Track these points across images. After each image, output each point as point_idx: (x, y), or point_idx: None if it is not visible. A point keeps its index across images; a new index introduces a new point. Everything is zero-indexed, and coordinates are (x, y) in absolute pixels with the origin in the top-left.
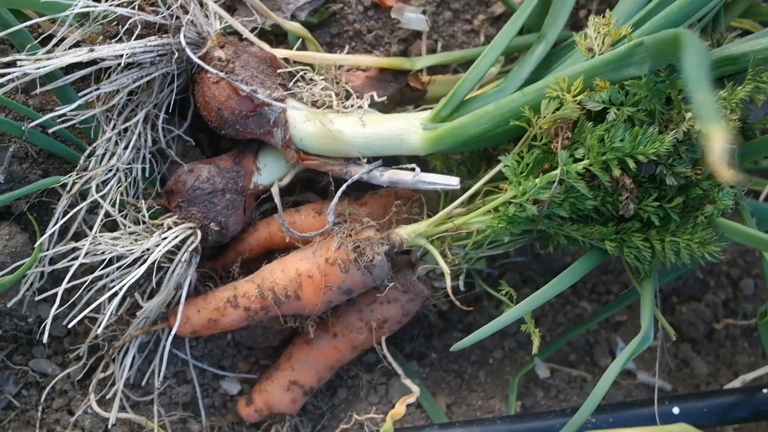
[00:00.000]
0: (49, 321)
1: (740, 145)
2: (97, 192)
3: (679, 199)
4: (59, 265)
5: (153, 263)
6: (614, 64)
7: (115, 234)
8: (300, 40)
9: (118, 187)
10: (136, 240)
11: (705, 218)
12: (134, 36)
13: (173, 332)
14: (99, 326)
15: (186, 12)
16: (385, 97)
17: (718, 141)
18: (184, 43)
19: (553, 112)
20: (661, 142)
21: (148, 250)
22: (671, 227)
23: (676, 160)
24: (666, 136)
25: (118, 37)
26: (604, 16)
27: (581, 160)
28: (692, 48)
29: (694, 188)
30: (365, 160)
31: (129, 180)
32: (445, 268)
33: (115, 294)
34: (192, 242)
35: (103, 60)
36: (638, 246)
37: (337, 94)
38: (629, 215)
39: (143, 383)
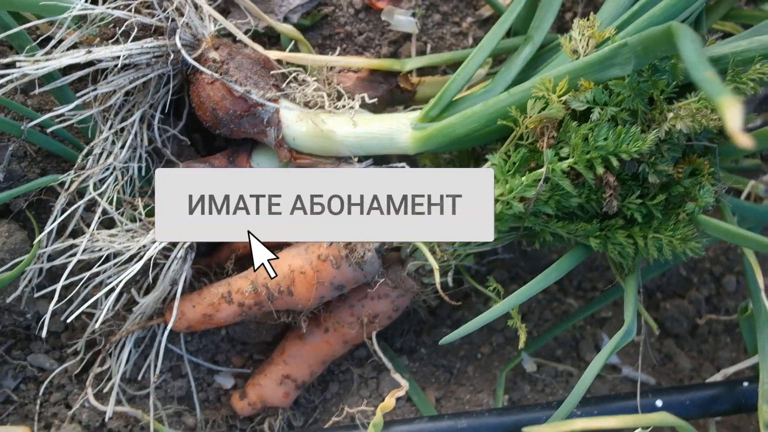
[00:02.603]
0: (47, 317)
1: (721, 144)
2: (94, 190)
3: (662, 196)
4: (57, 262)
5: (149, 260)
6: (598, 65)
7: (112, 231)
8: (292, 41)
9: (115, 186)
10: (132, 237)
11: (686, 215)
12: (131, 38)
13: (169, 327)
14: (96, 322)
15: (181, 14)
16: (375, 98)
17: (731, 111)
18: (179, 45)
19: (539, 112)
20: (644, 141)
21: (144, 247)
22: (654, 224)
23: (659, 159)
24: (648, 135)
25: (115, 39)
26: (588, 19)
27: (566, 158)
28: (687, 36)
29: (676, 186)
30: (356, 159)
31: (125, 178)
32: (434, 265)
33: (112, 290)
34: None
35: (100, 61)
36: (622, 242)
37: (328, 95)
38: (613, 212)
39: (139, 377)
